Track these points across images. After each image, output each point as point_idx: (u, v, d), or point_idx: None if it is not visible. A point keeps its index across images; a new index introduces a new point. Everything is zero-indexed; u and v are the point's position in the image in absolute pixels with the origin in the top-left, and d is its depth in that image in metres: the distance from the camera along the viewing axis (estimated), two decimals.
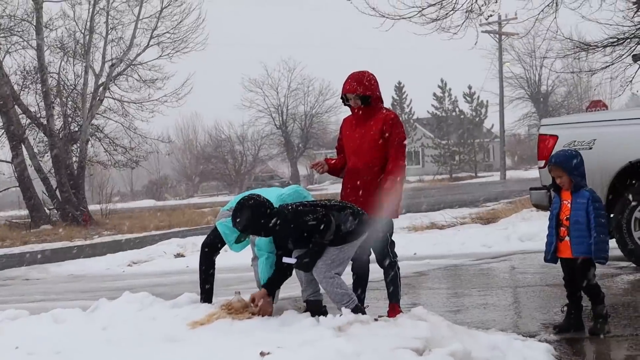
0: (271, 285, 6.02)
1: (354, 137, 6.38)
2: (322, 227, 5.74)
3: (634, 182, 8.78)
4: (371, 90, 6.30)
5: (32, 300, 10.34)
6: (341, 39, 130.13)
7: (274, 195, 6.30)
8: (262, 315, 5.81)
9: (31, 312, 6.75)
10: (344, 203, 6.03)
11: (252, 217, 5.76)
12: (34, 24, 28.96)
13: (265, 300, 5.90)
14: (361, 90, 6.27)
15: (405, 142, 6.41)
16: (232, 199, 6.39)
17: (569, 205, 5.98)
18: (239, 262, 11.44)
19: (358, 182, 6.28)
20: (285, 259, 5.91)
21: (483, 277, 9.68)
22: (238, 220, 5.79)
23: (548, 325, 6.30)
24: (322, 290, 6.12)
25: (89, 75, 30.33)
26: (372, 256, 6.47)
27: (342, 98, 6.48)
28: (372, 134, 6.29)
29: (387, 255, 6.33)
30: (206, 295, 6.48)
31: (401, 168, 6.26)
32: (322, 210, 5.83)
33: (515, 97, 64.44)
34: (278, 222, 5.81)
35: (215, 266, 6.60)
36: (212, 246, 6.54)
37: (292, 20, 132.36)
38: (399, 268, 6.44)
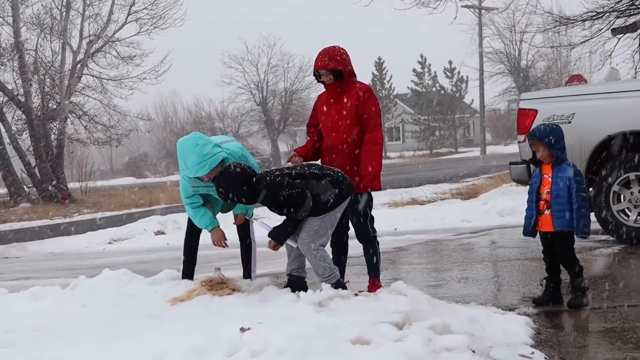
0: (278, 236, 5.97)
1: (331, 113, 6.34)
2: (296, 203, 5.73)
3: (612, 155, 8.82)
4: (343, 65, 6.25)
5: (11, 279, 10.29)
6: (321, 15, 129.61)
7: (218, 140, 6.27)
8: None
9: (10, 290, 6.73)
10: (324, 170, 5.97)
11: (236, 187, 5.71)
12: (10, 0, 28.60)
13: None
14: (333, 65, 6.23)
15: (380, 113, 6.41)
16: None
17: (549, 179, 6.00)
18: None
19: (338, 159, 6.26)
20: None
21: (463, 251, 9.73)
22: (222, 190, 5.73)
23: (527, 299, 6.34)
24: (307, 268, 6.12)
25: (66, 52, 30.05)
26: (351, 231, 6.48)
27: (314, 75, 6.44)
28: (349, 109, 6.26)
29: (367, 230, 6.32)
30: (187, 272, 6.46)
31: (379, 139, 6.25)
32: (299, 184, 5.80)
33: (495, 72, 64.46)
34: (258, 191, 5.76)
35: (200, 242, 6.60)
36: (193, 247, 6.54)
37: None
38: (378, 243, 6.44)
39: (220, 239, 6.36)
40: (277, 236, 5.82)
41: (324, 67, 6.26)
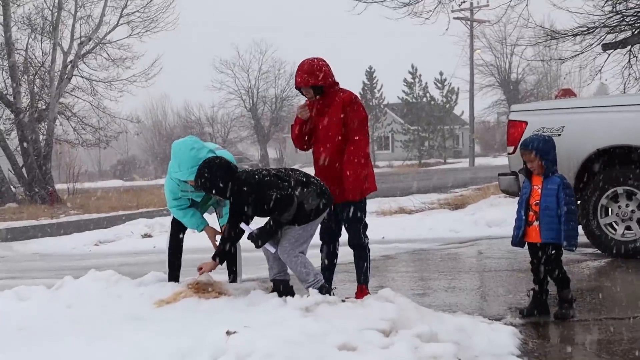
0: (222, 257, 6.01)
1: (317, 126, 6.31)
2: (283, 205, 5.71)
3: (601, 169, 8.86)
4: (324, 80, 6.19)
5: None
6: (313, 23, 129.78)
7: (212, 147, 6.27)
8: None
9: None
10: (308, 178, 5.97)
11: (218, 178, 5.69)
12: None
13: (209, 267, 5.94)
14: (313, 81, 6.18)
15: (367, 119, 6.38)
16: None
17: (539, 190, 6.01)
18: (205, 244, 11.37)
19: (328, 170, 6.23)
20: (243, 226, 5.86)
21: (450, 261, 9.73)
22: (203, 180, 5.70)
23: (514, 309, 6.34)
24: (289, 270, 6.11)
25: (57, 53, 29.88)
26: (342, 238, 6.47)
27: (297, 89, 6.40)
28: (336, 121, 6.23)
29: (360, 236, 6.32)
30: (173, 274, 6.44)
31: (363, 148, 6.23)
32: (288, 186, 5.78)
33: (486, 85, 64.72)
34: (242, 186, 5.74)
35: (186, 247, 6.58)
36: (180, 223, 6.48)
37: (265, 3, 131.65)
38: (369, 250, 6.45)
39: (213, 237, 6.32)
40: (257, 239, 5.79)
41: (304, 84, 6.21)
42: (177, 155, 6.00)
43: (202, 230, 6.35)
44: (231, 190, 5.76)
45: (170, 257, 6.49)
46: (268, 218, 5.82)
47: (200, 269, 5.96)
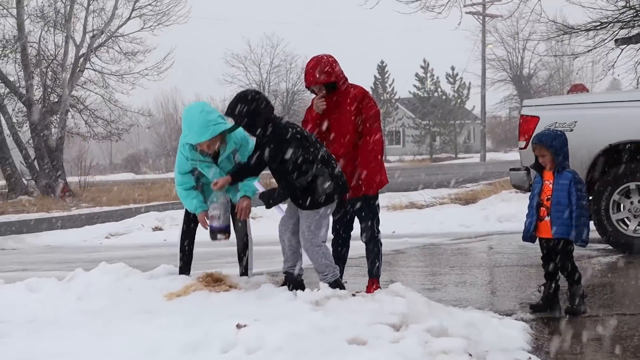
0: (237, 174, 5.92)
1: (331, 123, 6.28)
2: (304, 168, 5.66)
3: (612, 164, 8.82)
4: (335, 76, 6.18)
5: (7, 270, 10.25)
6: (325, 16, 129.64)
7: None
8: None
9: (6, 281, 6.68)
10: (330, 157, 5.88)
11: (256, 111, 5.62)
12: None
13: (223, 182, 5.86)
14: (324, 78, 6.16)
15: (379, 114, 6.39)
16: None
17: (550, 185, 5.98)
18: None
19: (352, 167, 6.21)
20: (257, 184, 5.82)
21: (461, 256, 9.72)
22: (240, 108, 5.61)
23: (524, 305, 6.33)
24: (303, 265, 6.10)
25: (69, 46, 29.99)
26: (353, 232, 6.47)
27: (307, 88, 6.37)
28: (348, 117, 6.22)
29: (373, 229, 6.32)
30: (184, 266, 6.43)
31: (377, 143, 6.24)
32: (314, 153, 5.73)
33: (497, 80, 64.47)
34: (276, 129, 5.67)
35: (197, 240, 6.56)
36: (190, 235, 6.47)
37: None
38: (381, 244, 6.45)
39: (204, 221, 6.32)
40: (269, 198, 5.74)
41: (315, 82, 6.20)
42: (187, 118, 5.95)
43: (198, 214, 6.32)
44: (263, 128, 5.69)
45: (182, 249, 6.48)
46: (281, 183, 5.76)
47: (215, 183, 5.88)
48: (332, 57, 6.28)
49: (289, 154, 5.64)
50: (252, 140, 6.08)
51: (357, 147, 6.23)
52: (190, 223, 6.44)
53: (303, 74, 6.38)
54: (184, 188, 6.31)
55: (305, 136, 5.80)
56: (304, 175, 5.67)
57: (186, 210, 6.44)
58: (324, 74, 6.15)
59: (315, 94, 6.32)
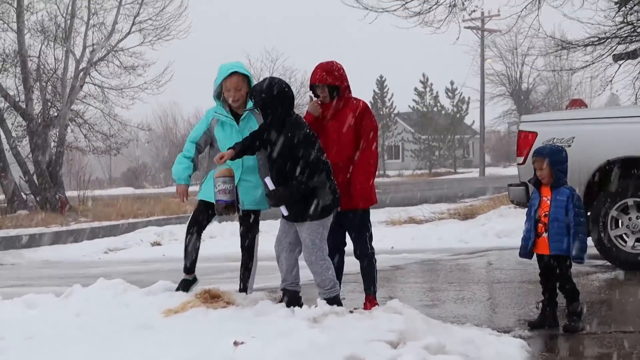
0: (241, 151, 5.94)
1: (329, 130, 6.28)
2: (316, 167, 5.70)
3: (611, 180, 8.83)
4: (340, 81, 6.23)
5: (5, 285, 10.24)
6: (324, 31, 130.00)
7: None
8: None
9: (4, 297, 6.68)
10: (330, 169, 5.92)
11: (282, 95, 5.76)
12: (15, 6, 28.64)
13: (225, 158, 5.87)
14: (330, 79, 6.20)
15: (377, 130, 6.42)
16: None
17: (548, 201, 5.99)
18: (218, 252, 11.40)
19: (341, 175, 6.21)
20: (267, 180, 5.81)
21: (459, 272, 9.71)
22: (264, 94, 5.73)
23: (523, 321, 6.32)
24: (301, 281, 6.10)
25: (69, 60, 30.02)
26: (348, 248, 6.47)
27: (310, 88, 6.41)
28: (347, 126, 6.24)
29: (365, 245, 6.32)
30: (189, 264, 6.40)
31: (373, 157, 6.27)
32: (325, 158, 5.81)
33: (496, 94, 64.49)
34: (292, 128, 5.74)
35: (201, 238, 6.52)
36: (197, 222, 6.43)
37: (276, 12, 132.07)
38: (375, 260, 6.43)
39: (183, 193, 6.37)
40: (278, 197, 5.75)
41: (321, 81, 6.22)
42: (221, 66, 6.31)
43: (178, 184, 6.35)
44: (279, 117, 5.77)
45: (188, 238, 6.39)
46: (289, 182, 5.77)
47: (221, 157, 5.87)
48: (342, 65, 6.36)
49: (307, 149, 5.70)
50: None
51: (351, 158, 6.23)
52: (201, 216, 6.40)
53: (305, 85, 6.45)
54: (184, 155, 6.43)
55: (318, 140, 5.88)
56: (315, 175, 5.69)
57: (196, 209, 6.45)
58: (331, 76, 6.20)
59: (317, 95, 6.34)
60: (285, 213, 5.82)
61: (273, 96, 5.75)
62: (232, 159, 5.92)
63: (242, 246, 6.47)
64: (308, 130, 5.83)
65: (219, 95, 6.39)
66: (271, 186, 5.78)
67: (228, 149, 5.95)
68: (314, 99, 6.35)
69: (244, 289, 6.46)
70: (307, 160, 5.70)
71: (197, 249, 6.42)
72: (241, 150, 5.92)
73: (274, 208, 6.08)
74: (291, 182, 5.72)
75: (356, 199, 6.17)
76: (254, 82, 6.21)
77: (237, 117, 6.35)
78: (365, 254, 6.34)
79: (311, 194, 5.73)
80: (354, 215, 6.23)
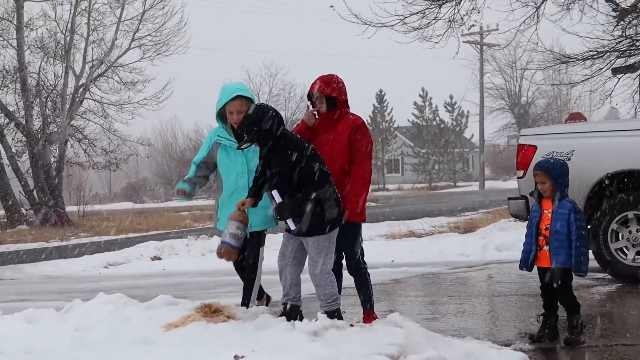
0: (257, 192, 5.98)
1: (322, 142, 6.29)
2: (321, 180, 5.70)
3: (611, 194, 8.84)
4: (338, 93, 6.27)
5: (5, 300, 10.23)
6: (324, 46, 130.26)
7: None
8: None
9: (4, 312, 6.67)
10: (333, 185, 5.94)
11: (272, 119, 5.72)
12: (15, 23, 28.75)
13: (246, 205, 5.92)
14: (328, 90, 6.24)
15: (372, 146, 6.43)
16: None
17: (549, 214, 5.99)
18: (218, 267, 11.40)
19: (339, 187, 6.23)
20: (275, 193, 5.80)
21: (460, 285, 9.70)
22: (255, 123, 5.69)
23: (523, 335, 6.31)
24: (302, 297, 6.10)
25: (69, 76, 30.12)
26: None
27: (308, 97, 6.43)
28: (341, 140, 6.25)
29: (358, 261, 6.31)
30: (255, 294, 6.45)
31: (367, 173, 6.28)
32: (327, 170, 5.80)
33: (496, 108, 64.68)
34: (289, 147, 5.73)
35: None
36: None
37: (275, 27, 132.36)
38: (369, 274, 6.42)
39: (180, 192, 6.40)
40: (284, 209, 5.74)
41: (319, 90, 6.26)
42: (223, 87, 6.33)
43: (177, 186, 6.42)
44: (274, 140, 5.75)
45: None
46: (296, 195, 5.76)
47: (243, 204, 5.91)
48: (342, 79, 6.40)
49: (308, 163, 5.70)
50: None
51: (342, 172, 6.23)
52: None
53: (304, 98, 6.48)
54: (190, 173, 6.46)
55: (316, 151, 5.90)
56: (321, 188, 5.69)
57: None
58: (329, 87, 6.25)
59: (314, 105, 6.36)
60: (293, 227, 5.81)
61: (265, 123, 5.72)
62: (254, 205, 5.96)
63: (247, 262, 6.38)
64: (307, 144, 5.85)
65: (221, 117, 6.40)
66: (278, 199, 5.78)
67: (247, 197, 5.98)
68: (311, 107, 6.38)
69: (246, 303, 6.42)
70: (313, 172, 5.72)
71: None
72: (257, 191, 5.99)
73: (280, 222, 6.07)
74: (297, 195, 5.73)
75: (350, 213, 6.16)
76: (256, 102, 6.24)
77: (239, 137, 6.33)
78: (359, 269, 6.34)
79: (318, 207, 5.73)
80: (347, 230, 6.20)
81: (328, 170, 5.83)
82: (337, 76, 6.38)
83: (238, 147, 5.98)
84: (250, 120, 5.75)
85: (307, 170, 5.71)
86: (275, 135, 5.76)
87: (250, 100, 6.27)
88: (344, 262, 6.45)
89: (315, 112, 6.32)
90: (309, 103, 6.47)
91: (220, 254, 6.01)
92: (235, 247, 5.96)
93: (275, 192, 5.79)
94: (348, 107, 6.39)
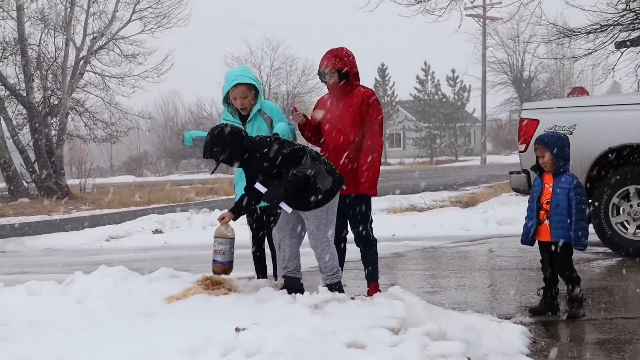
0: (237, 209, 6.03)
1: (333, 114, 6.31)
2: (295, 159, 5.70)
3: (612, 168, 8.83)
4: (349, 66, 6.26)
5: (7, 273, 10.26)
6: (325, 19, 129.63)
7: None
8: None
9: (6, 284, 6.69)
10: (319, 156, 5.95)
11: (230, 146, 5.71)
12: None
13: (225, 220, 5.96)
14: (339, 64, 6.23)
15: (383, 119, 6.43)
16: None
17: (550, 188, 5.99)
18: None
19: (338, 159, 6.22)
20: (258, 186, 5.83)
21: (460, 259, 9.72)
22: (215, 149, 5.70)
23: (524, 308, 6.33)
24: (302, 269, 6.11)
25: (69, 48, 30.00)
26: (349, 235, 6.47)
27: (319, 74, 6.42)
28: (352, 112, 6.25)
29: (368, 233, 6.32)
30: (259, 275, 6.64)
31: (379, 146, 6.28)
32: (299, 146, 5.83)
33: (498, 82, 64.33)
34: (255, 152, 5.75)
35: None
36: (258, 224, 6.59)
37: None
38: (377, 248, 6.43)
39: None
40: (273, 197, 5.75)
41: (330, 65, 6.24)
42: (228, 72, 6.48)
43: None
44: (245, 159, 5.78)
45: (254, 255, 6.65)
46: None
47: (222, 218, 5.98)
48: (351, 52, 6.39)
49: (275, 152, 5.71)
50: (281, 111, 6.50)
51: (352, 143, 6.22)
52: (258, 230, 6.55)
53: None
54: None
55: (282, 140, 5.91)
56: (300, 164, 5.69)
57: (251, 216, 6.57)
58: (340, 61, 6.24)
59: (325, 82, 6.34)
60: (289, 210, 5.82)
61: (223, 150, 5.72)
62: (234, 219, 6.02)
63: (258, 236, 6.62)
64: (268, 139, 5.85)
65: (228, 100, 6.52)
66: (262, 190, 5.80)
67: (228, 211, 6.03)
68: (298, 110, 6.39)
69: (274, 273, 6.57)
70: (285, 156, 5.72)
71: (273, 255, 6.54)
72: (240, 210, 6.06)
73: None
74: (279, 180, 5.75)
75: (362, 186, 6.18)
76: (260, 83, 6.40)
77: (244, 118, 6.52)
78: (368, 241, 6.35)
79: (309, 182, 5.72)
80: (357, 202, 6.22)
81: (301, 146, 5.84)
82: (346, 49, 6.36)
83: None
84: (208, 151, 5.76)
85: (280, 159, 5.72)
86: (237, 153, 5.76)
87: (251, 85, 6.39)
88: (348, 236, 6.46)
89: (303, 116, 6.36)
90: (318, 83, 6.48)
91: (213, 271, 6.07)
92: (222, 262, 6.01)
93: (258, 185, 5.81)
94: (359, 79, 6.38)
